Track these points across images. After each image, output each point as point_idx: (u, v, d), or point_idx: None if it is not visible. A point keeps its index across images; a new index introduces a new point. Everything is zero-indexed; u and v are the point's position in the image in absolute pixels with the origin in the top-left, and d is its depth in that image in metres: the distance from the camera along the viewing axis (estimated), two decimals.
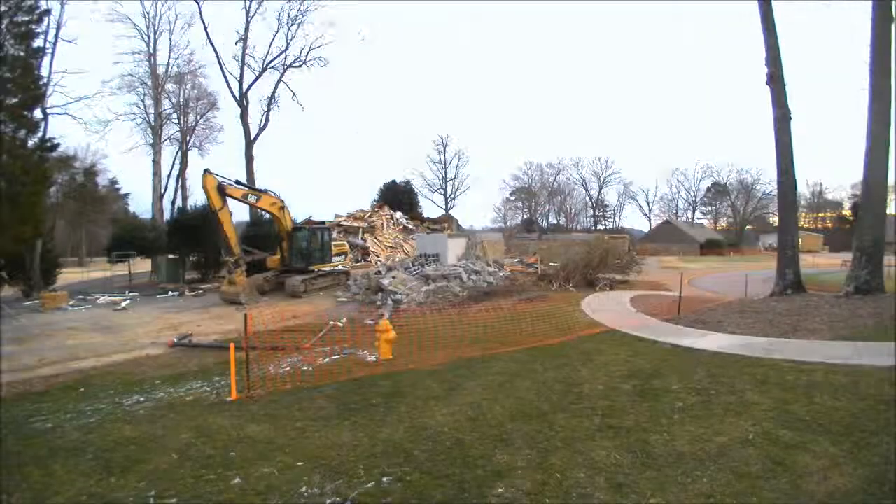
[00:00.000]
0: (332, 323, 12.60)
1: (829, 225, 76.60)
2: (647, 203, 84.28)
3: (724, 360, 6.73)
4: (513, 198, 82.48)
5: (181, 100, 35.26)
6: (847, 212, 69.21)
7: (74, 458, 4.37)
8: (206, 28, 32.69)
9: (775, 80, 12.95)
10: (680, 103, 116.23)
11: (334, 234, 27.53)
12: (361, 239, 30.04)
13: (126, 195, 55.54)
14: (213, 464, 4.13)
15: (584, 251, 20.12)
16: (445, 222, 36.66)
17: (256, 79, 35.17)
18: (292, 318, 13.19)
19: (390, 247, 30.04)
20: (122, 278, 26.21)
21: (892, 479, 3.33)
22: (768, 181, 70.64)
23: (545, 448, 4.17)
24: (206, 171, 16.42)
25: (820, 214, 79.55)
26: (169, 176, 35.41)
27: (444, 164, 67.37)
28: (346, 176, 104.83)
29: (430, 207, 60.18)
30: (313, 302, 17.15)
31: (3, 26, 18.60)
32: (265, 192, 19.33)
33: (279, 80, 35.71)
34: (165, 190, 33.94)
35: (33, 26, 20.07)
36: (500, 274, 21.29)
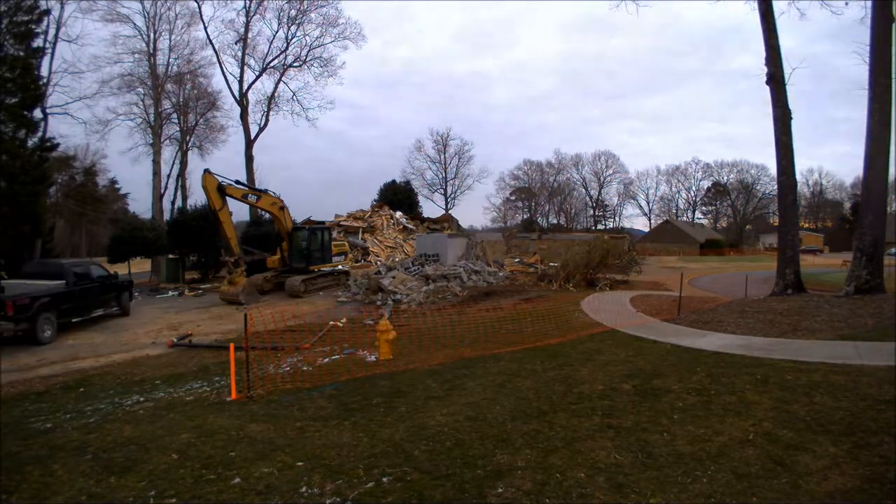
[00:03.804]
0: (332, 323, 12.60)
1: (829, 224, 76.67)
2: (648, 203, 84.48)
3: (724, 360, 6.73)
4: (513, 198, 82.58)
5: (181, 100, 35.26)
6: (847, 212, 69.23)
7: (74, 458, 4.37)
8: (206, 28, 32.78)
9: (775, 79, 12.94)
10: (680, 102, 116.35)
11: (334, 234, 27.54)
12: (361, 239, 30.03)
13: (126, 195, 55.54)
14: (213, 464, 4.13)
15: (584, 251, 20.10)
16: (445, 222, 36.61)
17: (256, 78, 35.28)
18: (292, 318, 13.19)
19: (390, 247, 30.01)
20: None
21: (892, 479, 3.33)
22: (768, 181, 70.89)
23: (545, 448, 4.16)
24: (206, 171, 16.43)
25: (820, 215, 79.63)
26: (169, 176, 35.44)
27: (445, 163, 67.45)
28: (346, 176, 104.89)
29: (431, 207, 60.32)
30: (313, 302, 17.14)
31: (2, 26, 18.60)
32: (265, 191, 19.33)
33: (279, 80, 35.80)
34: (165, 190, 33.96)
35: (33, 26, 20.10)
36: (500, 274, 21.30)
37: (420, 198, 46.48)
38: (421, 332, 10.00)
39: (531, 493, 3.42)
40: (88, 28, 64.94)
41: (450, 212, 55.43)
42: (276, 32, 34.69)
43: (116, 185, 55.14)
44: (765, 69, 13.13)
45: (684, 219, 78.61)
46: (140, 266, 27.34)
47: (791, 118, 12.94)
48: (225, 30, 35.57)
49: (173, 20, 31.83)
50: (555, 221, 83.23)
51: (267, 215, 23.11)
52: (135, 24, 30.35)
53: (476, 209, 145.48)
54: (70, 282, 12.48)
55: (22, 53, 19.58)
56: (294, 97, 36.53)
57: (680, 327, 9.67)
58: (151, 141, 32.29)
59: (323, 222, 30.48)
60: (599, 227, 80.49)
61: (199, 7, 32.17)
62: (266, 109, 35.78)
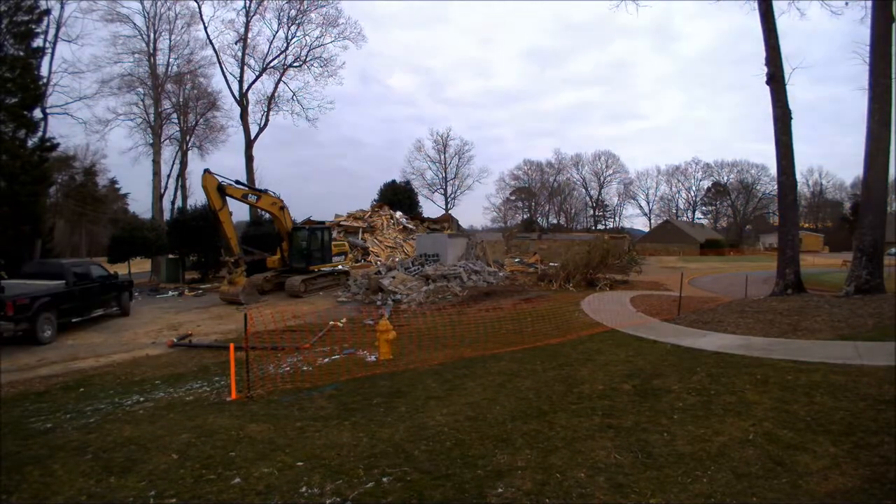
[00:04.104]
0: (332, 323, 12.61)
1: (829, 224, 76.68)
2: (648, 203, 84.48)
3: (724, 360, 6.72)
4: (513, 198, 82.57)
5: (181, 100, 35.26)
6: (847, 212, 69.24)
7: (74, 458, 4.37)
8: (206, 28, 32.77)
9: (775, 79, 12.94)
10: (681, 102, 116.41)
11: (334, 234, 27.56)
12: (361, 239, 30.05)
13: (126, 195, 55.54)
14: (213, 464, 4.13)
15: (584, 251, 20.10)
16: (445, 222, 36.61)
17: (256, 78, 35.26)
18: (292, 318, 13.19)
19: (390, 247, 30.01)
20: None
21: (892, 479, 3.33)
22: (768, 181, 70.92)
23: (545, 448, 4.16)
24: (206, 170, 16.42)
25: (820, 215, 79.65)
26: (169, 176, 35.45)
27: (445, 163, 67.51)
28: (346, 176, 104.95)
29: (431, 207, 60.39)
30: (313, 302, 17.15)
31: (2, 26, 18.59)
32: (265, 191, 19.33)
33: (279, 80, 35.79)
34: (165, 190, 33.97)
35: (33, 26, 20.09)
36: (500, 274, 21.30)
37: (420, 198, 46.56)
38: (421, 332, 10.00)
39: (531, 493, 3.42)
40: (88, 28, 64.96)
41: (450, 212, 55.51)
42: (276, 32, 34.72)
43: (116, 185, 55.20)
44: (765, 69, 13.14)
45: (684, 219, 78.60)
46: (140, 266, 27.35)
47: (791, 118, 12.94)
48: (225, 30, 35.75)
49: (173, 20, 31.86)
50: (555, 221, 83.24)
51: (267, 215, 23.12)
52: (135, 24, 30.37)
53: (476, 209, 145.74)
54: (70, 282, 12.44)
55: (22, 53, 19.56)
56: (294, 97, 36.56)
57: (680, 327, 9.66)
58: (151, 141, 32.28)
59: (323, 222, 30.44)
60: (599, 227, 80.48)
61: (199, 7, 32.19)
62: (266, 109, 35.82)
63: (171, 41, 32.13)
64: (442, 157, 67.45)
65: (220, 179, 16.54)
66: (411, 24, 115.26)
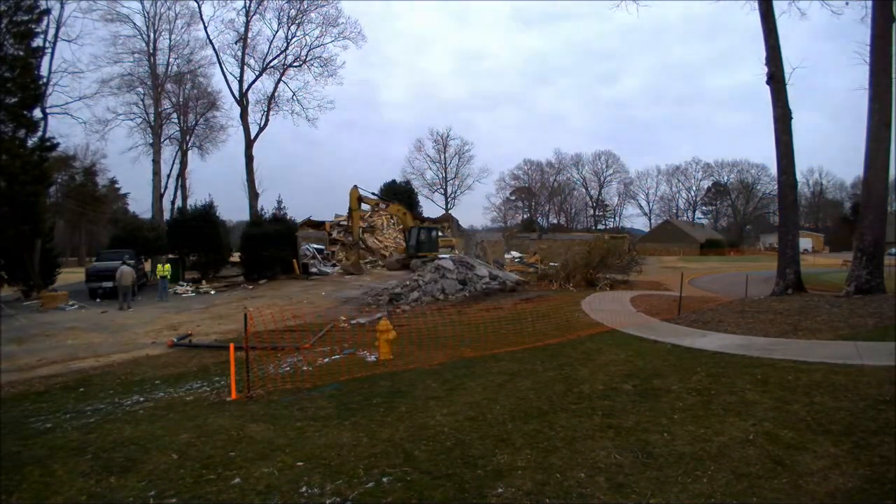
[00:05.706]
0: (335, 322, 12.61)
1: (829, 224, 76.72)
2: (648, 203, 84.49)
3: (724, 360, 6.72)
4: (513, 198, 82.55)
5: (181, 100, 35.29)
6: (847, 212, 69.25)
7: (74, 458, 4.37)
8: (206, 28, 32.81)
9: (776, 79, 12.94)
10: (681, 101, 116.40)
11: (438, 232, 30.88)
12: (362, 238, 30.07)
13: (126, 195, 55.57)
14: (213, 464, 4.13)
15: (584, 251, 20.12)
16: (446, 222, 36.61)
17: (256, 78, 35.28)
18: (292, 318, 13.18)
19: (391, 246, 30.07)
20: None
21: (892, 479, 3.33)
22: (768, 181, 70.95)
23: (545, 448, 4.16)
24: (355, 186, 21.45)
25: (820, 215, 79.67)
26: (169, 176, 35.49)
27: (445, 163, 67.52)
28: (346, 175, 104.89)
29: (431, 207, 60.38)
30: (314, 302, 17.15)
31: (2, 26, 18.57)
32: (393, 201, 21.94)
33: (279, 80, 35.79)
34: (165, 190, 34.02)
35: (33, 26, 20.06)
36: (500, 274, 21.26)
37: (420, 198, 46.73)
38: (421, 332, 9.99)
39: (531, 493, 3.41)
40: (88, 28, 64.88)
41: (450, 212, 55.50)
42: (276, 32, 34.76)
43: (116, 185, 55.24)
44: (765, 69, 13.14)
45: (684, 219, 78.63)
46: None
47: (791, 118, 12.94)
48: (225, 30, 35.67)
49: (173, 20, 31.95)
50: (555, 221, 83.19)
51: (267, 215, 23.29)
52: (135, 24, 30.47)
53: (476, 209, 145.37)
54: (138, 262, 21.49)
55: (22, 53, 19.53)
56: (294, 97, 36.57)
57: (680, 327, 9.66)
58: (151, 141, 32.31)
59: (323, 222, 30.58)
60: (599, 227, 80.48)
61: (199, 7, 32.26)
62: (266, 109, 35.84)
63: (171, 41, 32.24)
64: (442, 156, 67.53)
65: (361, 192, 22.99)
66: None
